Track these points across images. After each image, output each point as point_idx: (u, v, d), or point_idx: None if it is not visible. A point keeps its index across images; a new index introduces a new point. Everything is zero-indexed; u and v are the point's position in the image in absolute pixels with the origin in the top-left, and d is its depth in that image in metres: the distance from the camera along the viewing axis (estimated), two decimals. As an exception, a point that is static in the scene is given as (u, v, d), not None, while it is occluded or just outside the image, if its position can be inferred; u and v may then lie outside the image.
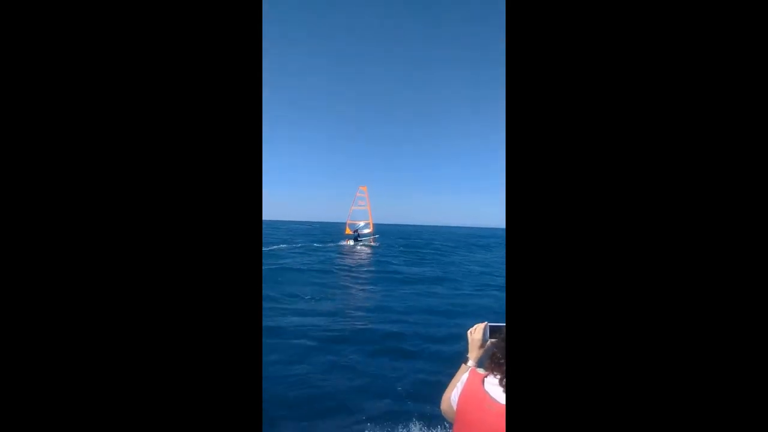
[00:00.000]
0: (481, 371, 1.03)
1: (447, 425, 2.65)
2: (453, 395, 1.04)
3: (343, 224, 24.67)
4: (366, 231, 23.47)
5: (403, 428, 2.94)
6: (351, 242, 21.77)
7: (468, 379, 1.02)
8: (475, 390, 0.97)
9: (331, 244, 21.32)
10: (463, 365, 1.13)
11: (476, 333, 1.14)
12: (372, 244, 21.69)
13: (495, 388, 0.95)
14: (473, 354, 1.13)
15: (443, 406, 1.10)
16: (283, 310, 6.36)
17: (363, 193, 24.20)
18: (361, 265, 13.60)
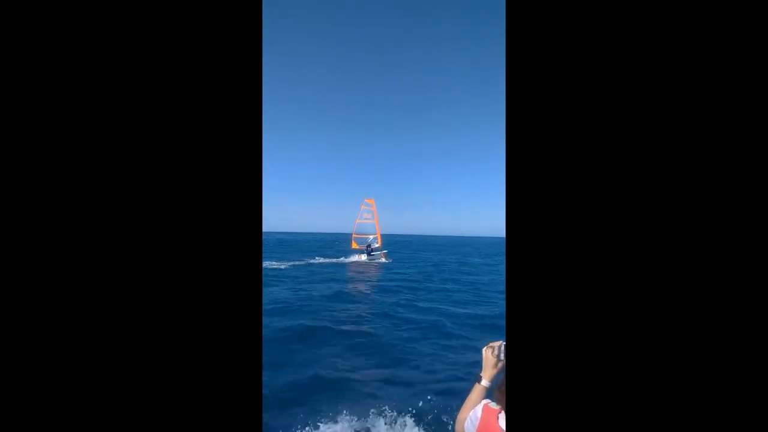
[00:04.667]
0: (493, 406, 1.01)
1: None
2: (467, 425, 1.03)
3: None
4: (376, 245, 22.50)
5: None
6: (363, 257, 20.67)
7: (482, 417, 1.00)
8: (491, 428, 0.97)
9: (343, 259, 20.04)
10: (476, 384, 1.10)
11: (491, 351, 1.10)
12: (383, 260, 20.65)
13: None
14: (487, 373, 1.10)
15: (457, 427, 1.07)
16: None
17: (370, 206, 23.42)
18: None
